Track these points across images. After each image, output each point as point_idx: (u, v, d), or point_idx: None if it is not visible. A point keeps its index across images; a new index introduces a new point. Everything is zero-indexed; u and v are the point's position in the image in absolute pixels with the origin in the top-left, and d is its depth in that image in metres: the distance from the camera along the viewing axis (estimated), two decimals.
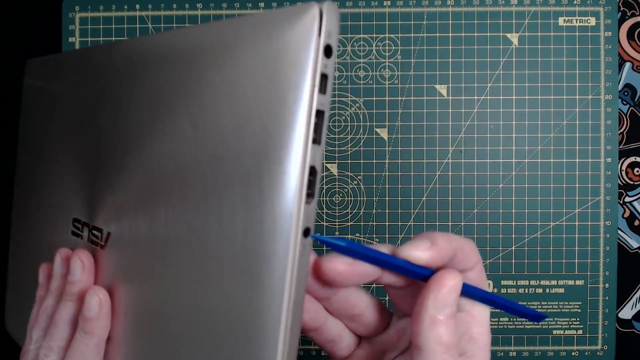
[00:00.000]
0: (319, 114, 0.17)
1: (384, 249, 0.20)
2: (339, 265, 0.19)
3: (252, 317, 0.17)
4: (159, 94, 0.22)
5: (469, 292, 0.21)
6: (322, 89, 0.17)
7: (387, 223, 0.44)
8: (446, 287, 0.19)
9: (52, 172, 0.30)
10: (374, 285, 0.44)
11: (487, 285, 0.23)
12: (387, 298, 0.44)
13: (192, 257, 0.20)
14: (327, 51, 0.17)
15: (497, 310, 0.44)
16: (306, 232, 0.17)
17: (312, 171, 0.17)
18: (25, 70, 0.34)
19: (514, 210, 0.44)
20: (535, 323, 0.44)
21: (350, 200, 0.44)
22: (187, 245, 0.20)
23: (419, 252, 0.19)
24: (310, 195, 0.17)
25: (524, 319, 0.44)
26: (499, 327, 0.44)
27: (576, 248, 0.44)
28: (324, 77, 0.17)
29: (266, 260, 0.17)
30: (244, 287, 0.17)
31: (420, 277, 0.20)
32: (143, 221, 0.22)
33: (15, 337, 0.33)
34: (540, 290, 0.44)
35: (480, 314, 0.22)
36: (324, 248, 0.44)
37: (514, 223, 0.44)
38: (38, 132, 0.32)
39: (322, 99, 0.17)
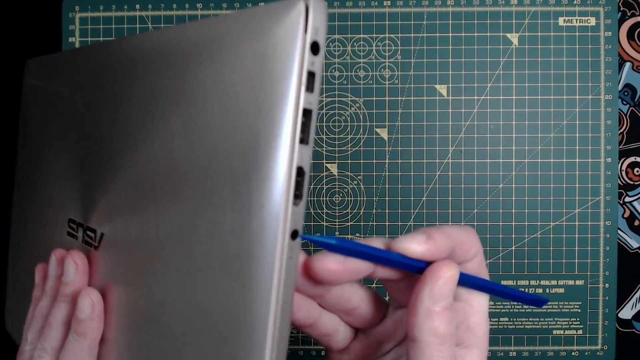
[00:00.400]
0: (306, 112, 0.16)
1: (377, 242, 0.20)
2: (330, 264, 0.19)
3: (240, 318, 0.17)
4: (150, 93, 0.22)
5: (466, 281, 0.21)
6: (310, 87, 0.16)
7: (387, 223, 0.44)
8: (442, 279, 0.19)
9: (51, 172, 0.30)
10: (375, 283, 0.44)
11: (487, 274, 0.22)
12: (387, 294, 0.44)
13: (182, 258, 0.19)
14: (314, 48, 0.16)
15: (497, 310, 0.44)
16: (294, 235, 0.17)
17: (300, 172, 0.17)
18: (25, 70, 0.34)
19: (514, 210, 0.44)
20: (535, 323, 0.44)
21: (350, 200, 0.44)
22: (177, 246, 0.20)
23: (414, 245, 0.19)
24: (298, 196, 0.17)
25: (523, 319, 0.44)
26: (499, 327, 0.44)
27: (576, 248, 0.44)
28: (311, 74, 0.16)
29: (254, 262, 0.17)
30: (232, 289, 0.17)
31: (415, 269, 0.20)
32: (135, 222, 0.22)
33: (15, 337, 0.33)
34: (540, 290, 0.44)
35: (478, 303, 0.22)
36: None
37: (514, 223, 0.44)
38: (37, 132, 0.32)
39: (310, 98, 0.16)
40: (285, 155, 0.16)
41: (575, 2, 0.43)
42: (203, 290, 0.18)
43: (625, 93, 0.44)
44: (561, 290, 0.44)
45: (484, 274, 0.22)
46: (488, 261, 0.44)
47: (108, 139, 0.24)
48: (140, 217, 0.22)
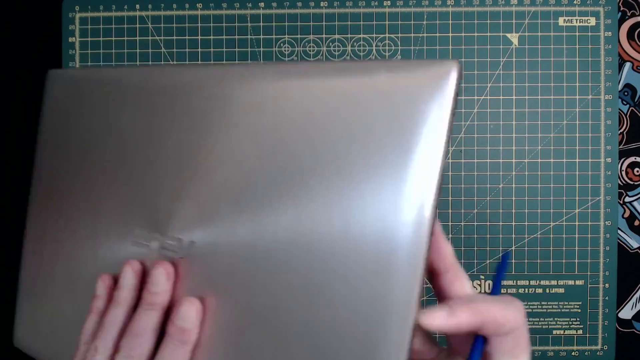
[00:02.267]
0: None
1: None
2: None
3: (377, 323, 0.17)
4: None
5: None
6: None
7: None
8: None
9: (90, 185, 0.29)
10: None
11: (526, 355, 0.21)
12: None
13: (310, 263, 0.19)
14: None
15: None
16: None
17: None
18: (47, 80, 0.33)
19: (514, 210, 0.44)
20: (535, 323, 0.44)
21: None
22: (304, 250, 0.19)
23: (436, 322, 0.19)
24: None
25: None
26: None
27: (576, 248, 0.44)
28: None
29: (399, 264, 0.17)
30: (370, 293, 0.17)
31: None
32: (241, 227, 0.21)
33: (28, 351, 0.32)
34: (540, 290, 0.44)
35: None
36: None
37: (514, 223, 0.44)
38: (68, 144, 0.31)
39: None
40: (437, 164, 0.17)
41: (575, 2, 0.43)
42: (333, 300, 0.18)
43: (625, 93, 0.44)
44: (561, 290, 0.44)
45: (521, 354, 0.21)
46: (488, 261, 0.44)
47: (185, 145, 0.24)
48: (248, 222, 0.20)
